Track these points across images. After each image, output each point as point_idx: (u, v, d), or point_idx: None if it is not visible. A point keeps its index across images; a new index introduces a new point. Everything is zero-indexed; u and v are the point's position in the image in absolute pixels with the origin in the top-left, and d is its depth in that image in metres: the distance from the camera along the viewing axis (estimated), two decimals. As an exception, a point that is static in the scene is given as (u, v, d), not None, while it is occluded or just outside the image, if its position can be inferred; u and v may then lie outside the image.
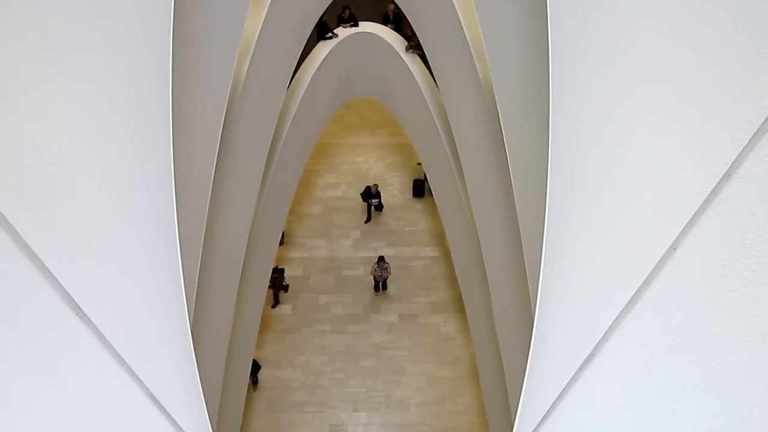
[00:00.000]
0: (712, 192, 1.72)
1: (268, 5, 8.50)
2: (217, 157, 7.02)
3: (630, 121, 2.39)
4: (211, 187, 6.89)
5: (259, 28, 8.35)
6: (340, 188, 18.08)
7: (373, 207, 17.17)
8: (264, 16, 8.44)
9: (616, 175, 2.48)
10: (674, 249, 1.90)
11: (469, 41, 8.48)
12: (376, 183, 17.00)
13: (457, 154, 10.25)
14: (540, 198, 3.59)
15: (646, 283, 2.04)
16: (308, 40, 10.67)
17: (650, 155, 2.19)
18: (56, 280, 2.01)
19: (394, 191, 18.02)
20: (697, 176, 1.80)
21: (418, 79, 11.27)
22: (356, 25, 11.62)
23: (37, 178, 1.95)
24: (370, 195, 16.82)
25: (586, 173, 2.83)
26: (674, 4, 2.08)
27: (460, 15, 8.56)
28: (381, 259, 15.36)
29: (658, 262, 1.96)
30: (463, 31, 8.52)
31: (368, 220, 17.27)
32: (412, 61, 11.38)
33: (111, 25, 2.58)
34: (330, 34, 11.45)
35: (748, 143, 1.57)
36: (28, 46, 1.94)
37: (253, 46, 8.25)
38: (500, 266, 9.38)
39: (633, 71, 2.39)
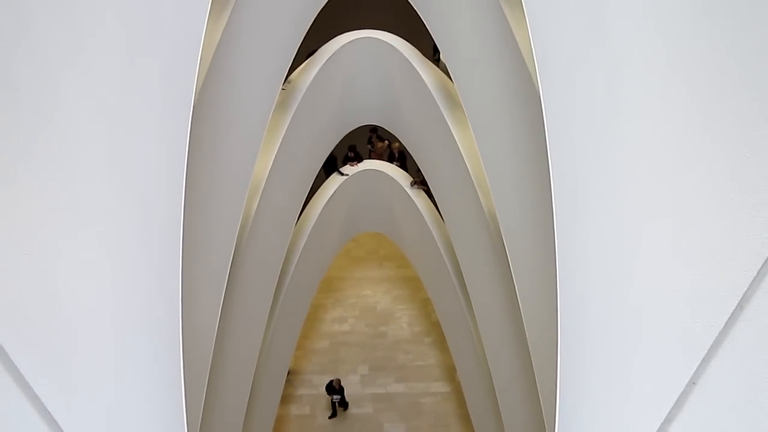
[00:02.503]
0: (726, 324, 1.69)
1: (278, 145, 8.87)
2: (225, 291, 7.02)
3: (637, 254, 2.40)
4: (217, 323, 6.83)
5: (269, 167, 8.66)
6: (347, 322, 17.87)
7: (336, 403, 15.33)
8: (274, 156, 8.78)
9: (628, 305, 2.45)
10: (693, 384, 1.84)
11: (472, 175, 8.73)
12: (338, 378, 15.28)
13: (465, 285, 10.23)
14: (551, 328, 3.53)
15: (667, 420, 1.96)
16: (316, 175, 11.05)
17: (662, 287, 2.18)
18: (56, 423, 1.95)
19: (402, 324, 17.78)
20: (710, 308, 1.77)
21: (423, 213, 11.50)
22: (361, 161, 12.08)
23: (44, 320, 1.95)
24: (333, 390, 15.02)
25: (597, 304, 2.81)
26: (673, 140, 2.15)
27: (462, 151, 8.87)
28: None
29: (678, 397, 1.89)
30: (466, 165, 8.79)
31: (333, 415, 15.34)
32: (417, 196, 11.66)
33: (125, 167, 2.67)
34: (338, 172, 11.87)
35: (758, 274, 1.57)
36: (48, 193, 2.00)
37: (263, 183, 8.51)
38: (514, 402, 9.05)
39: (637, 206, 2.43)
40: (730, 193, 1.73)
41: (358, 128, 11.70)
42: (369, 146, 13.08)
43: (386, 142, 12.79)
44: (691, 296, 1.91)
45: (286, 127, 9.17)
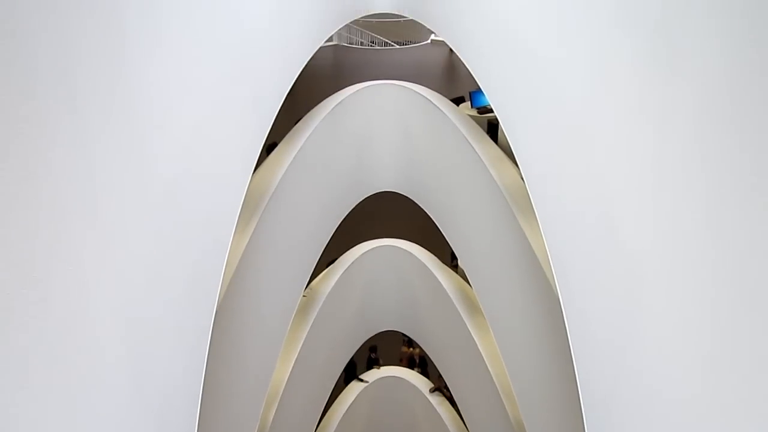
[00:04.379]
0: None
1: (297, 352, 8.79)
2: None
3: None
4: None
5: (288, 374, 8.50)
6: None
7: None
8: (293, 363, 8.67)
9: None
10: None
11: (496, 382, 8.48)
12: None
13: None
14: None
15: None
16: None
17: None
18: None
19: None
20: None
21: (446, 421, 11.01)
22: (380, 365, 11.88)
23: None
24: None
25: None
26: (696, 337, 2.11)
27: (484, 357, 8.71)
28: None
29: None
30: (489, 372, 8.58)
31: None
32: (439, 403, 11.26)
33: (143, 373, 2.65)
34: (358, 379, 11.63)
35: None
36: (65, 406, 1.97)
37: (282, 390, 8.31)
38: None
39: (669, 407, 2.33)
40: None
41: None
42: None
43: (411, 349, 12.65)
44: None
45: (305, 334, 9.17)
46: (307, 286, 9.06)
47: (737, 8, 1.80)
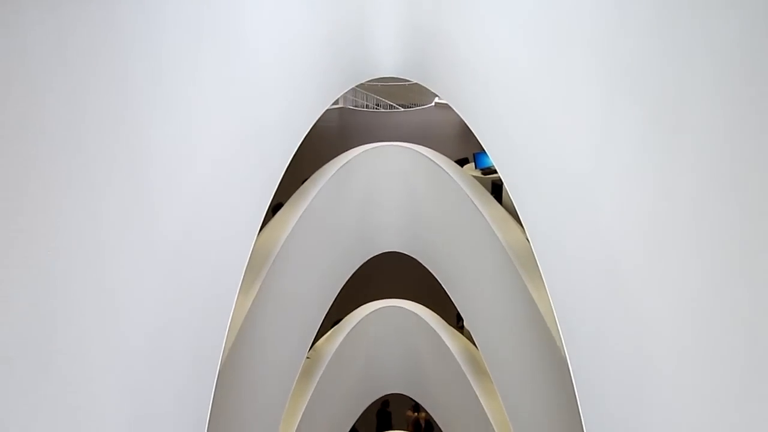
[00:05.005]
0: None
1: (301, 415, 8.60)
2: None
3: None
4: None
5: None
6: None
7: None
8: (296, 427, 8.47)
9: None
10: None
11: (504, 448, 8.25)
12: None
13: None
14: None
15: None
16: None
17: None
18: None
19: None
20: None
21: (453, 490, 10.66)
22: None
23: None
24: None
25: None
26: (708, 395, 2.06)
27: (492, 422, 8.51)
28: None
29: None
30: (497, 437, 8.37)
31: None
32: (446, 470, 10.92)
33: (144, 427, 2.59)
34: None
35: None
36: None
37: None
38: None
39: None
40: None
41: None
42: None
43: (417, 413, 12.41)
44: None
45: (309, 397, 9.00)
46: (311, 348, 8.95)
47: (737, 72, 1.83)
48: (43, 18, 1.70)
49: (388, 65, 8.64)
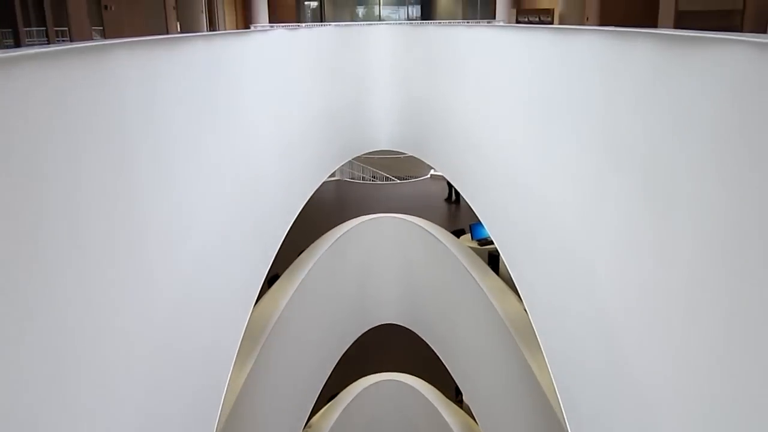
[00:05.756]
0: None
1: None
2: None
3: None
4: None
5: None
6: None
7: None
8: None
9: None
10: None
11: None
12: None
13: None
14: None
15: None
16: None
17: None
18: None
19: None
20: None
21: None
22: None
23: None
24: None
25: None
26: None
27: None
28: None
29: None
30: None
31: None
32: None
33: None
34: None
35: None
36: None
37: None
38: None
39: None
40: None
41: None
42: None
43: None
44: None
45: (304, 475, 8.70)
46: (306, 424, 8.71)
47: (729, 141, 1.88)
48: (47, 97, 1.74)
49: (383, 139, 8.80)
